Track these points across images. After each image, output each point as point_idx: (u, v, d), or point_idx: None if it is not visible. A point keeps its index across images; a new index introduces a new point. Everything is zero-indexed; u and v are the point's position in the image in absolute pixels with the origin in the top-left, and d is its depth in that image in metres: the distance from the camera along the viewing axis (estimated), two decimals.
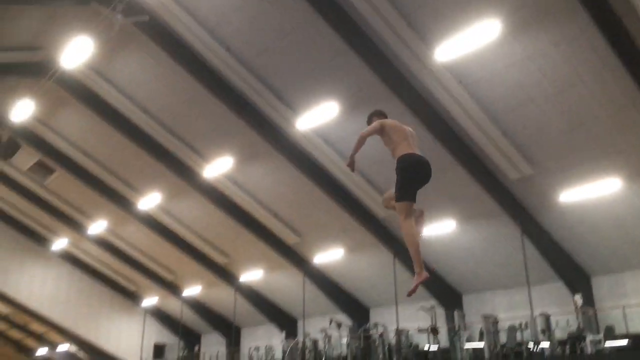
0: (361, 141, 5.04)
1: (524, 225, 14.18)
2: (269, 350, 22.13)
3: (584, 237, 14.15)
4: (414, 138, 5.20)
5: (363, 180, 15.70)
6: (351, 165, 5.06)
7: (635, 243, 13.59)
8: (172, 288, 25.26)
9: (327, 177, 16.00)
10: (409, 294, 4.77)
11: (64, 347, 29.18)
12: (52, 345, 30.55)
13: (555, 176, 13.03)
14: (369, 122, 5.40)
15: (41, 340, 30.98)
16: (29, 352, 33.19)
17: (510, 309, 16.03)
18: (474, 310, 17.06)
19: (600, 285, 14.67)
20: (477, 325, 16.16)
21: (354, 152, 5.03)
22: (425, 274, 4.68)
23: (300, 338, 21.21)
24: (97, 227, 22.18)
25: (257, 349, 22.63)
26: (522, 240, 14.28)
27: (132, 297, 27.71)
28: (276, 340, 22.91)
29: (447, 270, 17.41)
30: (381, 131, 5.11)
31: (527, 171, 12.99)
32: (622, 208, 13.06)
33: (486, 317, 15.26)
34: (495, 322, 15.05)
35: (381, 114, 5.44)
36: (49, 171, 20.86)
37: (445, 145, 13.13)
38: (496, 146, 12.63)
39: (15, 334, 32.00)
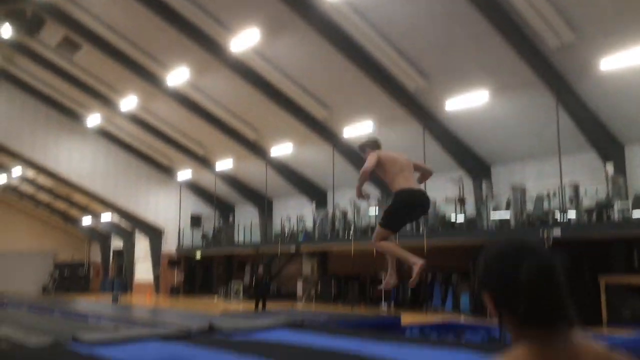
0: (364, 177, 5.03)
1: (560, 95, 13.82)
2: (300, 220, 23.09)
3: (621, 106, 13.80)
4: (410, 169, 5.17)
5: (394, 51, 15.27)
6: (360, 196, 5.09)
7: None
8: (204, 162, 26.00)
9: (357, 49, 15.57)
10: (411, 285, 5.03)
11: (106, 216, 30.98)
12: (95, 215, 32.46)
13: (596, 42, 12.45)
14: (362, 151, 5.29)
15: (85, 210, 32.89)
16: (74, 221, 35.41)
17: (540, 179, 16.14)
18: (503, 181, 17.23)
19: (634, 155, 14.53)
20: (505, 195, 16.41)
21: (360, 185, 5.05)
22: (421, 260, 4.85)
23: (330, 209, 21.99)
24: (128, 103, 22.43)
25: (288, 219, 23.64)
26: (557, 110, 13.99)
27: (167, 171, 28.73)
28: (307, 211, 23.81)
29: (477, 141, 17.39)
30: (376, 163, 4.96)
31: (568, 37, 12.39)
32: None
33: (514, 187, 15.45)
34: (523, 191, 15.25)
35: (375, 145, 5.29)
36: (77, 47, 20.78)
37: (481, 11, 12.49)
38: (537, 10, 11.95)
39: (60, 205, 33.95)
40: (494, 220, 15.92)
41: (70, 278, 35.42)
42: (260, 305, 15.90)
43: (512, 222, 15.22)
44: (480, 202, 16.58)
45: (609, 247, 13.99)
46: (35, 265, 35.29)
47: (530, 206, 15.32)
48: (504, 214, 15.79)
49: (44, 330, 10.89)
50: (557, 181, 14.65)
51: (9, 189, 33.27)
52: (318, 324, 11.44)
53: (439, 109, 16.43)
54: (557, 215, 14.48)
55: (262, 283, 16.42)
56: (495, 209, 16.23)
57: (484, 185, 17.26)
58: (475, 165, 17.82)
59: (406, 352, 7.64)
